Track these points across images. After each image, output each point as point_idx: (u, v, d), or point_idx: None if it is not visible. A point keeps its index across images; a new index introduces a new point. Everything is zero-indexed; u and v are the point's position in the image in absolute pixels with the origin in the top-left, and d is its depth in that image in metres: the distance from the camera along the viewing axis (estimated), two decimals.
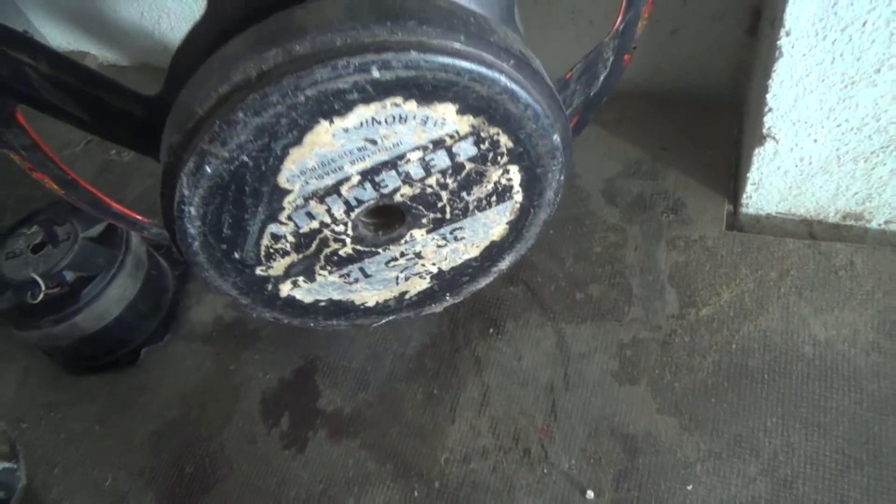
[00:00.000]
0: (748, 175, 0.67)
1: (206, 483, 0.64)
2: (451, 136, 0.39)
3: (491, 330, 0.67)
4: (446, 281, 0.52)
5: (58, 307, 0.65)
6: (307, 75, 0.34)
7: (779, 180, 0.67)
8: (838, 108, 0.58)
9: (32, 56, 0.40)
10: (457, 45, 0.35)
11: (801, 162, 0.64)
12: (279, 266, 0.45)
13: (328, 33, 0.34)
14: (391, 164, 0.40)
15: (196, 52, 0.39)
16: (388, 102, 0.36)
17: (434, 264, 0.50)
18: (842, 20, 0.52)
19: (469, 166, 0.42)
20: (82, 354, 0.71)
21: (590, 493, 0.57)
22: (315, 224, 0.42)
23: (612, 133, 0.79)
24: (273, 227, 0.42)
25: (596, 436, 0.59)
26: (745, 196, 0.70)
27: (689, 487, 0.56)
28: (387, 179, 0.41)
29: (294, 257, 0.44)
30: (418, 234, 0.47)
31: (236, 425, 0.67)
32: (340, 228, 0.44)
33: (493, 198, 0.45)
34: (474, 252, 0.50)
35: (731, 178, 0.73)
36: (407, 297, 0.52)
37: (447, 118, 0.39)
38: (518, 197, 0.46)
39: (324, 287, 0.48)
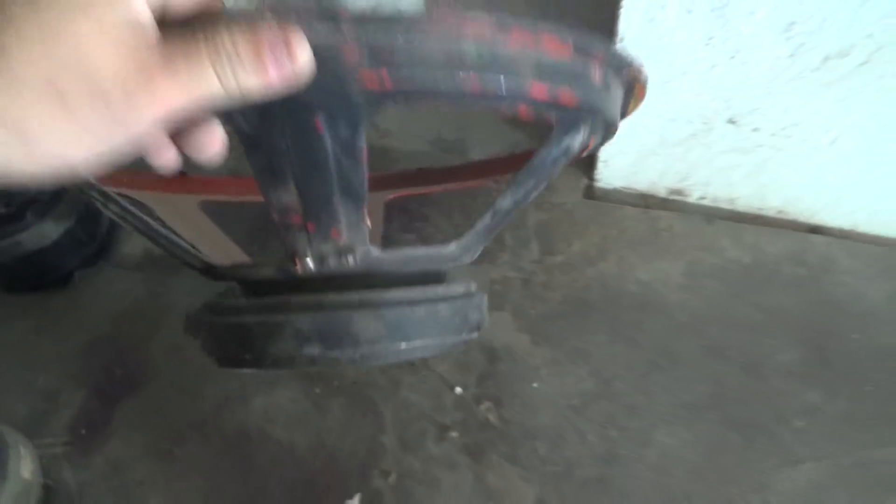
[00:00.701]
0: (599, 155, 0.85)
1: (135, 382, 0.73)
2: None
3: None
4: None
5: (4, 224, 0.73)
6: None
7: (621, 160, 0.85)
8: (659, 102, 0.76)
9: None
10: None
11: (637, 146, 0.82)
12: None
13: None
14: None
15: None
16: None
17: None
18: (657, 35, 0.70)
19: None
20: (19, 273, 0.79)
21: (458, 389, 0.71)
22: None
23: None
24: None
25: (466, 349, 0.74)
26: (597, 172, 0.87)
27: (535, 385, 0.71)
28: None
29: None
30: None
31: (163, 337, 0.77)
32: None
33: None
34: None
35: (589, 157, 0.91)
36: None
37: None
38: None
39: None
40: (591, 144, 0.40)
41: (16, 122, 0.24)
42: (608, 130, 0.40)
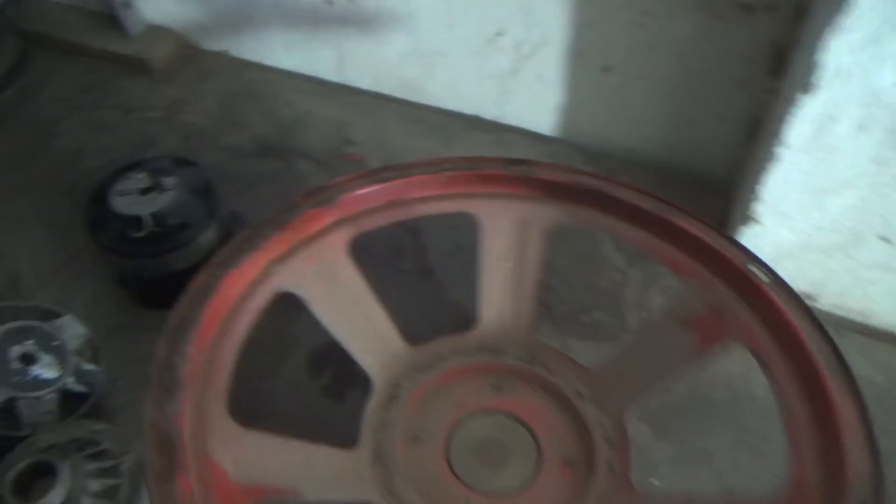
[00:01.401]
0: None
1: (256, 415, 0.74)
2: None
3: None
4: None
5: (153, 245, 0.76)
6: None
7: None
8: (812, 208, 0.75)
9: None
10: None
11: (775, 245, 0.81)
12: None
13: None
14: None
15: None
16: None
17: None
18: (824, 144, 0.69)
19: None
20: (157, 291, 0.81)
21: None
22: None
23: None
24: None
25: None
26: None
27: (656, 482, 0.70)
28: None
29: None
30: None
31: (286, 372, 0.78)
32: None
33: None
34: None
35: None
36: None
37: None
38: None
39: None
40: None
41: None
42: None
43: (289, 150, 1.02)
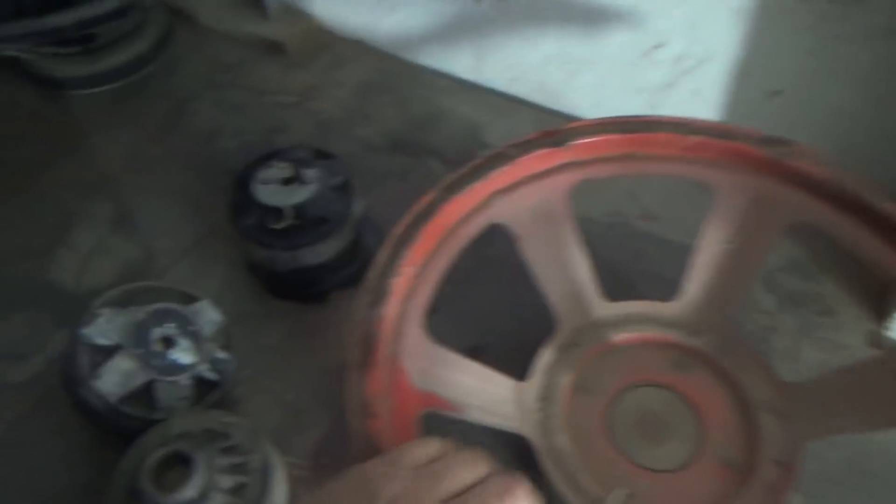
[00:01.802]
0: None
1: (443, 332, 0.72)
2: None
3: None
4: None
5: (290, 238, 0.75)
6: None
7: None
8: None
9: None
10: None
11: None
12: None
13: None
14: None
15: None
16: None
17: None
18: None
19: None
20: (286, 281, 0.81)
21: None
22: None
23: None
24: None
25: None
26: (891, 322, 0.78)
27: None
28: None
29: None
30: None
31: None
32: None
33: None
34: None
35: (880, 301, 0.82)
36: None
37: None
38: None
39: None
40: None
41: None
42: None
43: (420, 147, 0.99)
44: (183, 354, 0.68)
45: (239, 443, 0.63)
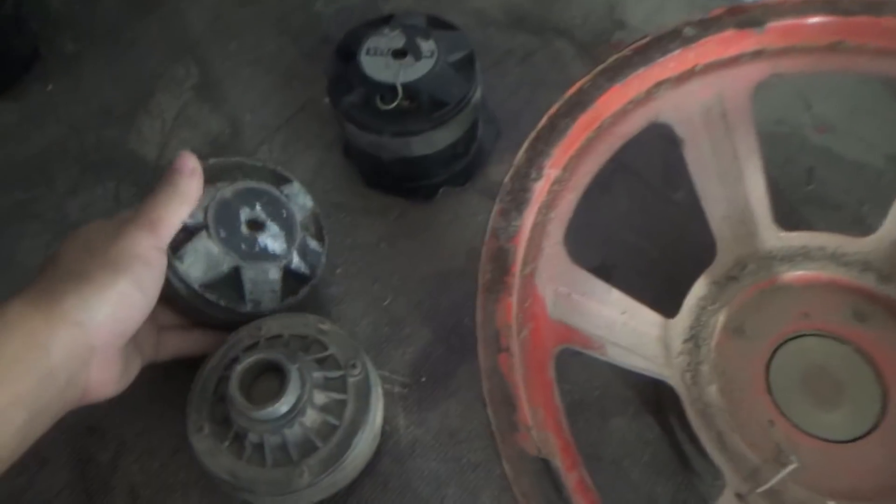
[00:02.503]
0: None
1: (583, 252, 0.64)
2: None
3: None
4: None
5: (401, 122, 0.64)
6: None
7: None
8: None
9: None
10: None
11: None
12: None
13: None
14: None
15: None
16: None
17: None
18: None
19: None
20: (389, 171, 0.71)
21: None
22: None
23: None
24: None
25: None
26: None
27: None
28: None
29: None
30: None
31: None
32: None
33: None
34: None
35: None
36: None
37: None
38: None
39: None
40: None
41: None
42: None
43: (547, 24, 0.84)
44: (273, 241, 0.59)
45: (335, 354, 0.56)
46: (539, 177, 0.48)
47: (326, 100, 0.79)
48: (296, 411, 0.50)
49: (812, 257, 0.57)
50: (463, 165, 0.72)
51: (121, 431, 0.62)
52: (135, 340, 0.50)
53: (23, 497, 0.59)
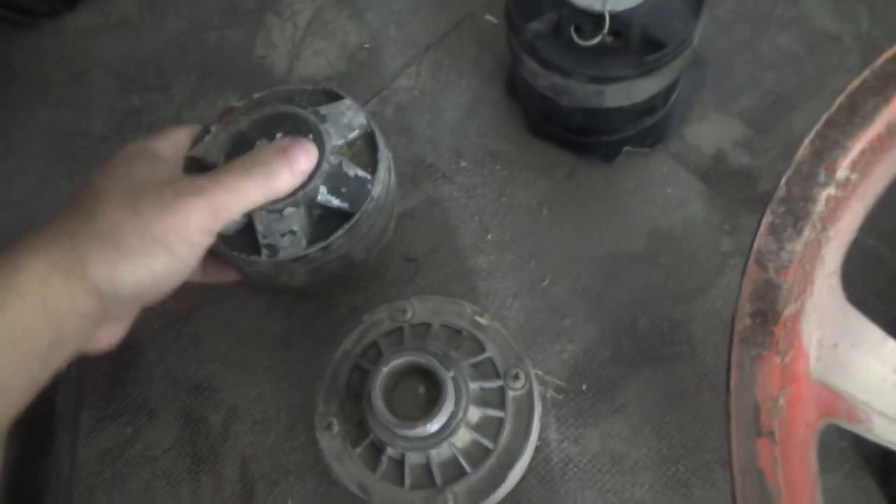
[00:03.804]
0: None
1: (658, 351, 0.52)
2: None
3: None
4: None
5: (600, 63, 0.49)
6: None
7: None
8: None
9: None
10: None
11: None
12: None
13: None
14: None
15: None
16: None
17: None
18: None
19: None
20: (565, 121, 0.57)
21: None
22: None
23: None
24: None
25: None
26: None
27: None
28: None
29: None
30: None
31: (711, 303, 0.53)
32: None
33: None
34: None
35: None
36: None
37: None
38: None
39: None
40: None
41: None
42: None
43: None
44: None
45: (494, 358, 0.45)
46: (829, 181, 0.34)
47: (490, 17, 0.65)
48: (448, 431, 0.41)
49: None
50: (655, 121, 0.57)
51: (232, 395, 0.55)
52: None
53: (127, 449, 0.54)
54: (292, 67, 0.66)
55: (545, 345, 0.53)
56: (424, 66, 0.64)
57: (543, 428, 0.51)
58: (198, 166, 0.48)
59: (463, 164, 0.60)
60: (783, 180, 0.34)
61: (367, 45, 0.66)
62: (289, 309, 0.57)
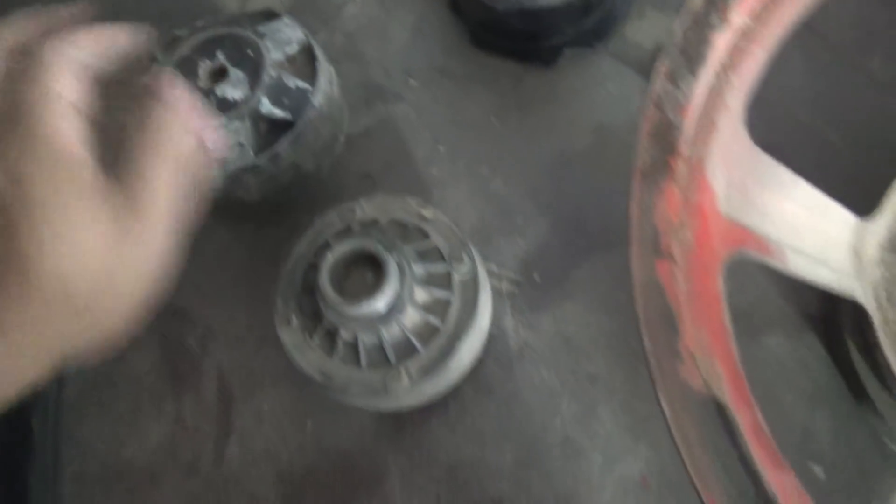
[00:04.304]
0: None
1: (606, 239, 0.54)
2: None
3: None
4: None
5: None
6: None
7: None
8: None
9: None
10: None
11: None
12: None
13: None
14: None
15: None
16: None
17: None
18: None
19: None
20: (504, 28, 0.59)
21: None
22: None
23: None
24: None
25: None
26: None
27: None
28: None
29: None
30: None
31: None
32: None
33: None
34: None
35: None
36: None
37: None
38: None
39: None
40: None
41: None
42: None
43: None
44: (233, 88, 0.50)
45: (439, 245, 0.47)
46: (722, 25, 0.36)
47: None
48: (394, 309, 0.43)
49: None
50: (594, 21, 0.59)
51: (207, 315, 0.57)
52: None
53: (114, 372, 0.57)
54: (245, 6, 0.68)
55: (499, 242, 0.55)
56: None
57: (500, 317, 0.53)
58: None
59: (412, 82, 0.62)
60: (678, 28, 0.36)
61: None
62: (253, 234, 0.59)
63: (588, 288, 0.53)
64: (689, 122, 0.35)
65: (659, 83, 0.35)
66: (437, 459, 0.51)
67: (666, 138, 0.34)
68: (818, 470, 0.47)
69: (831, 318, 0.49)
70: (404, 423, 0.52)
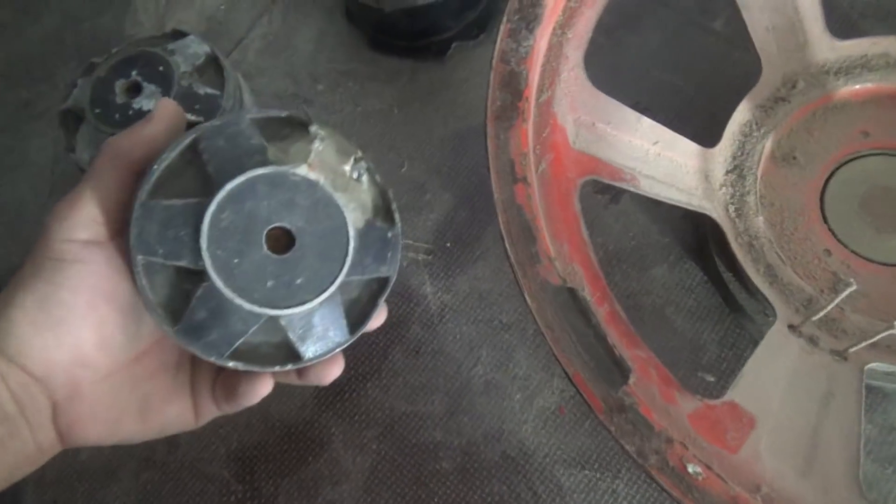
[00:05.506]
0: None
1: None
2: None
3: None
4: None
5: None
6: None
7: None
8: None
9: None
10: None
11: None
12: None
13: None
14: None
15: None
16: None
17: None
18: None
19: None
20: (394, 29, 0.65)
21: None
22: None
23: None
24: None
25: None
26: None
27: None
28: None
29: None
30: None
31: None
32: None
33: None
34: None
35: None
36: None
37: None
38: None
39: None
40: None
41: None
42: None
43: None
44: (148, 101, 0.55)
45: None
46: None
47: None
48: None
49: (872, 67, 0.51)
50: (476, 15, 0.66)
51: None
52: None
53: None
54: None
55: (412, 218, 0.61)
56: (275, 13, 0.72)
57: (420, 285, 0.58)
58: (73, 116, 0.56)
59: (320, 87, 0.68)
60: None
61: (222, 6, 0.73)
62: None
63: (496, 248, 0.59)
64: (534, 71, 0.41)
65: (503, 42, 0.41)
66: (375, 419, 0.55)
67: (513, 86, 0.40)
68: (709, 378, 0.53)
69: (703, 245, 0.55)
70: (342, 391, 0.56)
